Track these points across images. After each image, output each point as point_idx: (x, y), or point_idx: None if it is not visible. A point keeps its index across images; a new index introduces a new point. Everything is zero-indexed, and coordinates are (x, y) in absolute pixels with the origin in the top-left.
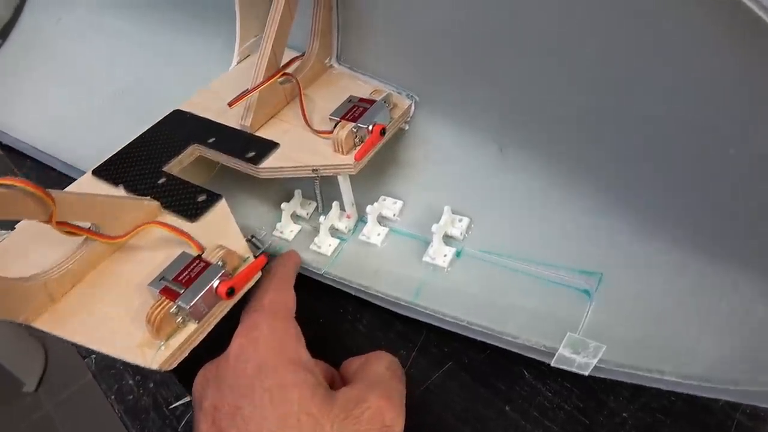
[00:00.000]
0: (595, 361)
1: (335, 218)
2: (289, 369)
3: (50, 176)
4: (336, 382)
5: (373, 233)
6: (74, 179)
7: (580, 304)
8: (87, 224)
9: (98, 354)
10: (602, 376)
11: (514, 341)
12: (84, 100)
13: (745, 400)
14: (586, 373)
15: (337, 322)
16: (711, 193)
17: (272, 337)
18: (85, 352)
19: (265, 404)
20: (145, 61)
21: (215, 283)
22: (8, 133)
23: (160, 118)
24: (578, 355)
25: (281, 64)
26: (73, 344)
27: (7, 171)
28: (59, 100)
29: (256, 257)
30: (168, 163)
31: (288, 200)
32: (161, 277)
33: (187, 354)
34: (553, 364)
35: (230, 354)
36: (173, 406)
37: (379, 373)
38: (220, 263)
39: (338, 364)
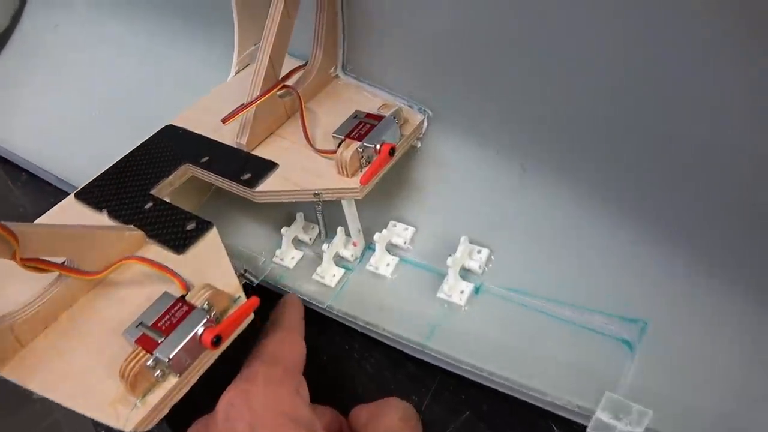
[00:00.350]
0: (640, 431)
1: (340, 245)
2: (286, 430)
3: (46, 190)
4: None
5: (382, 263)
6: (68, 193)
7: (620, 357)
8: (61, 259)
9: None
10: None
11: (542, 398)
12: (80, 110)
13: None
14: None
15: (342, 360)
16: None
17: (267, 390)
18: None
19: None
20: (143, 69)
21: (199, 330)
22: (2, 146)
23: (151, 135)
24: (619, 422)
25: (281, 76)
26: None
27: (1, 185)
28: (55, 112)
29: (248, 294)
30: (157, 185)
31: (289, 224)
32: (139, 322)
33: (166, 412)
34: (589, 430)
35: (219, 410)
36: None
37: (392, 428)
38: (205, 306)
39: (341, 408)
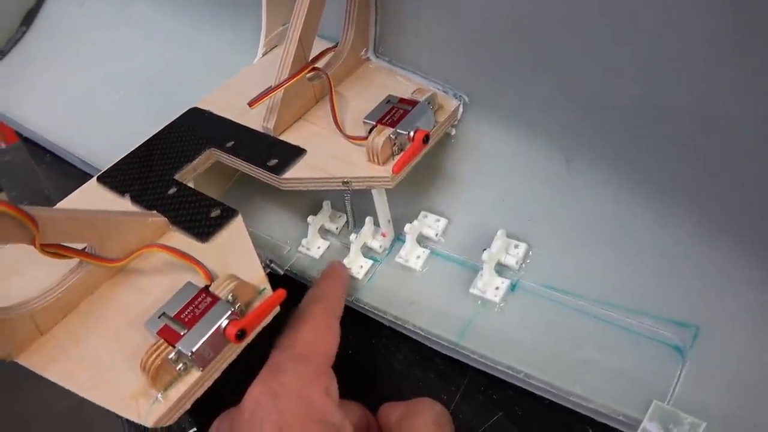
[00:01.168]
0: None
1: (369, 236)
2: (310, 425)
3: (70, 173)
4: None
5: (412, 255)
6: (92, 175)
7: (671, 363)
8: (82, 245)
9: None
10: None
11: (584, 404)
12: (105, 92)
13: None
14: None
15: (370, 355)
16: None
17: (297, 388)
18: None
19: None
20: (170, 51)
21: (223, 323)
22: (27, 126)
23: (175, 117)
24: None
25: (310, 57)
26: None
27: (26, 165)
28: (80, 93)
29: (273, 285)
30: (181, 170)
31: (315, 212)
32: (161, 313)
33: (188, 407)
34: None
35: (245, 407)
36: None
37: (429, 429)
38: (230, 298)
39: (369, 405)
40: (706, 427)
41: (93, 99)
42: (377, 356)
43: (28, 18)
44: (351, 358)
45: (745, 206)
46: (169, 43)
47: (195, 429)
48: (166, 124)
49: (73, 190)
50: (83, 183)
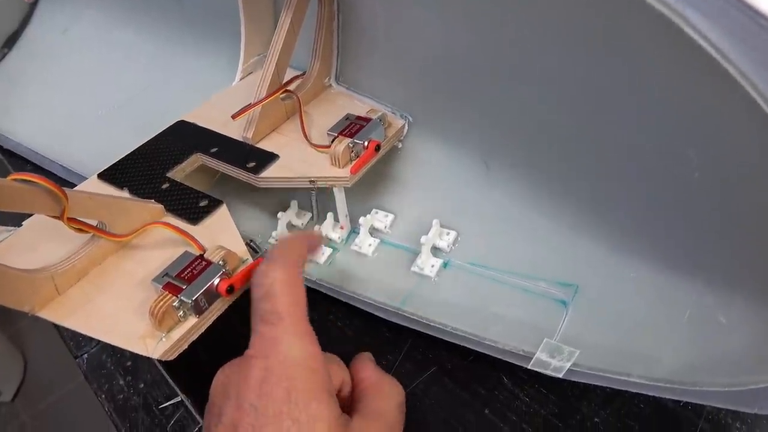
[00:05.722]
0: (568, 365)
1: (329, 228)
2: (321, 400)
3: None
4: (345, 384)
5: (365, 244)
6: (74, 185)
7: (557, 313)
8: (94, 222)
9: (89, 354)
10: (575, 379)
11: (495, 346)
12: (87, 109)
13: (703, 400)
14: (560, 376)
15: (328, 327)
16: (679, 215)
17: (300, 358)
18: (76, 352)
19: None
20: (150, 75)
21: (216, 280)
22: (10, 138)
23: (165, 128)
24: (554, 359)
25: (283, 82)
26: (65, 344)
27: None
28: (62, 108)
29: (254, 259)
30: (171, 169)
31: (284, 210)
32: (164, 274)
33: (186, 347)
34: (530, 366)
35: (252, 376)
36: (163, 406)
37: (393, 413)
38: (221, 262)
39: None
40: (580, 354)
41: (75, 115)
42: (334, 328)
43: (10, 41)
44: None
45: (608, 201)
46: (150, 66)
47: (179, 398)
48: (148, 138)
49: None
50: None
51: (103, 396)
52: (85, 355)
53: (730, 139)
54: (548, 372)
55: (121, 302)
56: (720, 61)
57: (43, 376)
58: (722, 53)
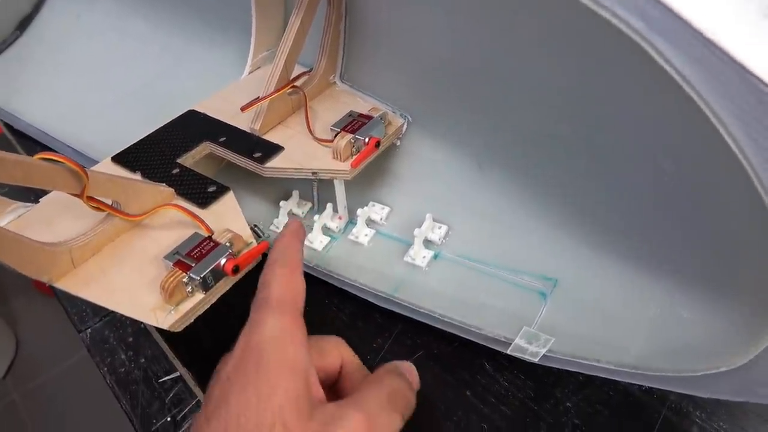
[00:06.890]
0: (544, 351)
1: (328, 218)
2: (286, 376)
3: None
4: (346, 362)
5: (361, 234)
6: (84, 167)
7: (537, 304)
8: (109, 201)
9: (92, 329)
10: (549, 364)
11: (479, 332)
12: (97, 94)
13: (665, 385)
14: (536, 360)
15: (323, 311)
16: (655, 221)
17: (275, 337)
18: (80, 327)
19: (251, 405)
20: (161, 64)
21: (222, 260)
22: (21, 118)
23: (175, 117)
24: (531, 345)
25: (291, 77)
26: (70, 319)
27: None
28: (73, 93)
29: (258, 243)
30: (181, 156)
31: (286, 199)
32: (175, 252)
33: (192, 320)
34: (509, 351)
35: (233, 353)
36: (162, 380)
37: (378, 398)
38: (227, 244)
39: None
40: (555, 341)
41: (85, 100)
42: (329, 312)
43: (23, 24)
44: (307, 313)
45: (589, 202)
46: (162, 56)
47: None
48: (157, 126)
49: None
50: None
51: (105, 369)
52: (89, 330)
53: (697, 153)
54: (525, 357)
55: (134, 277)
56: (684, 86)
57: (35, 355)
58: (685, 79)
